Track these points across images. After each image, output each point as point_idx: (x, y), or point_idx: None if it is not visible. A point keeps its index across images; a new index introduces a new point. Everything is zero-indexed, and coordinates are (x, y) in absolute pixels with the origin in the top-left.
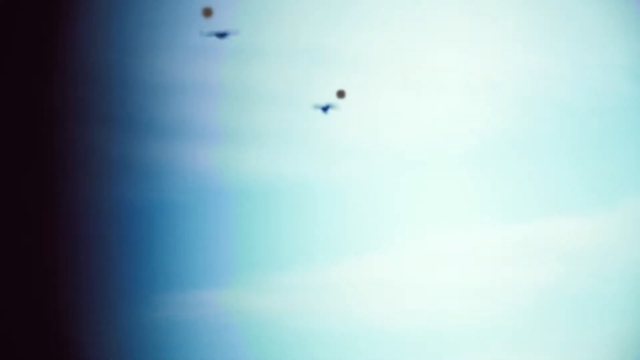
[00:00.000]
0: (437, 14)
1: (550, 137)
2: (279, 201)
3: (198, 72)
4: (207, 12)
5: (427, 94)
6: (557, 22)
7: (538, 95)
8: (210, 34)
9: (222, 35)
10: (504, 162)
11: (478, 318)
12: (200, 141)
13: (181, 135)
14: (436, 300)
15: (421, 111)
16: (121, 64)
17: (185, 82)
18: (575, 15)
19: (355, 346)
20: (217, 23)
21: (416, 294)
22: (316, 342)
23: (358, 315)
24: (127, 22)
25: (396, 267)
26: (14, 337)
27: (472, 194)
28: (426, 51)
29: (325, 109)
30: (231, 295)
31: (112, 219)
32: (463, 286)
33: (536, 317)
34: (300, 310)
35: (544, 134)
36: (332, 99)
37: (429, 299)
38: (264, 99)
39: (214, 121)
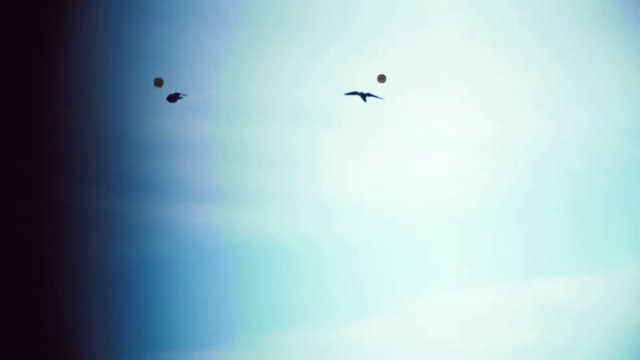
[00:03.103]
0: (435, 71)
1: (549, 198)
2: (279, 260)
3: (193, 131)
4: (158, 82)
5: (427, 154)
6: (559, 82)
7: (539, 156)
8: (171, 99)
9: (173, 98)
10: (504, 223)
11: None
12: (197, 200)
13: (178, 193)
14: None
15: (420, 170)
16: (116, 123)
17: (180, 140)
18: (577, 76)
19: None
20: (202, 82)
21: (419, 354)
22: None
23: None
24: (120, 80)
25: (398, 327)
26: None
27: (473, 254)
28: (427, 110)
29: (364, 96)
30: (232, 355)
31: (109, 279)
32: (465, 347)
33: None
34: None
35: (543, 195)
36: (372, 87)
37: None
38: (261, 157)
39: (210, 180)
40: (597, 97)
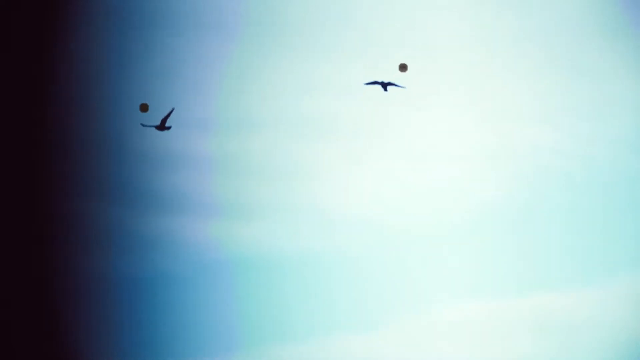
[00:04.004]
0: (436, 83)
1: (549, 209)
2: (280, 272)
3: (194, 143)
4: (144, 108)
5: (427, 164)
6: (560, 94)
7: (539, 167)
8: (151, 124)
9: (161, 127)
10: (505, 233)
11: None
12: (199, 212)
13: (180, 206)
14: None
15: (420, 181)
16: (117, 135)
17: (182, 153)
18: (578, 87)
19: None
20: (202, 95)
21: None
22: None
23: None
24: (120, 93)
25: (397, 339)
26: None
27: (473, 266)
28: (427, 121)
29: (385, 86)
30: None
31: (111, 292)
32: (464, 358)
33: None
34: None
35: (543, 206)
36: (393, 76)
37: None
38: (261, 169)
39: (212, 192)
40: (597, 109)
